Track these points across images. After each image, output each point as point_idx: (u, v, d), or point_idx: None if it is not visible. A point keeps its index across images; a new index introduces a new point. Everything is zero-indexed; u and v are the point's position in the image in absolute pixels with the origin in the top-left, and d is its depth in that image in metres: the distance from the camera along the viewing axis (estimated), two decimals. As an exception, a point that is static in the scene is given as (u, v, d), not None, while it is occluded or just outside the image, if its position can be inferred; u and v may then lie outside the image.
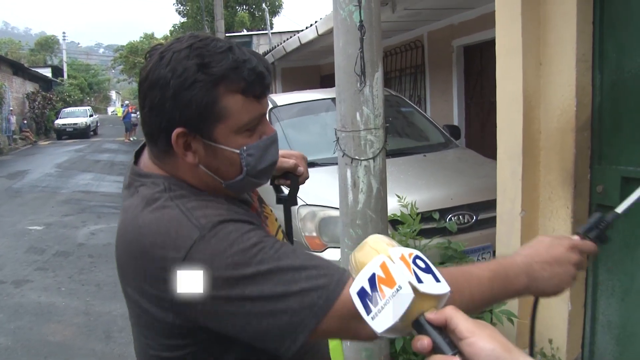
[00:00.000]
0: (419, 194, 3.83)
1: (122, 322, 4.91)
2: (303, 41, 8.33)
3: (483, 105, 6.93)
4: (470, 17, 6.51)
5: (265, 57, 11.35)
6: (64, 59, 49.64)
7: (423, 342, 0.76)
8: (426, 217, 3.68)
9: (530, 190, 3.06)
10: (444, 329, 0.77)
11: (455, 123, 6.99)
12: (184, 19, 21.64)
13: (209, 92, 1.03)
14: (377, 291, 0.78)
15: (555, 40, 2.88)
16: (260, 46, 12.09)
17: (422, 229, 3.54)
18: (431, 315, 0.78)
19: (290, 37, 9.48)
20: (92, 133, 31.76)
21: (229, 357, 1.11)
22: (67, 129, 29.99)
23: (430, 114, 7.35)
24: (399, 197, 3.45)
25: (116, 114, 51.46)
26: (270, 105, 5.31)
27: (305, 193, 3.99)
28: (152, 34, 31.46)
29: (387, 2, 5.45)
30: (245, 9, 21.72)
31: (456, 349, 0.75)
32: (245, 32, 13.40)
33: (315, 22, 7.75)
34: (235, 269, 0.97)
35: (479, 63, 6.97)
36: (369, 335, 0.90)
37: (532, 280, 1.05)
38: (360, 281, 0.79)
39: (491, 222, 3.52)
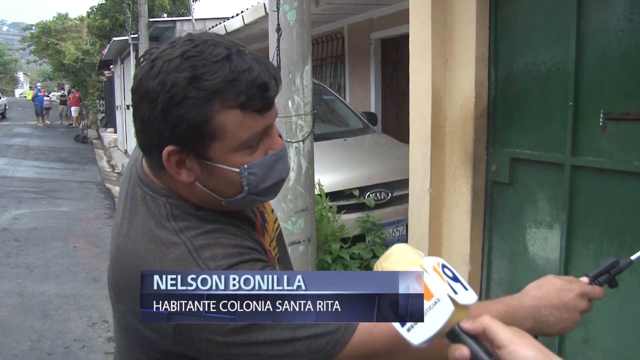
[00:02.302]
0: (340, 174, 4.28)
1: (58, 301, 5.06)
2: (229, 30, 8.52)
3: (398, 94, 7.40)
4: (388, 12, 6.94)
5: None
6: (-34, 36, 46.62)
7: (462, 351, 0.76)
8: (347, 194, 4.13)
9: (438, 170, 3.53)
10: (479, 338, 0.77)
11: (373, 110, 7.40)
12: (102, 1, 21.08)
13: (201, 110, 0.94)
14: None
15: (459, 41, 3.35)
16: (184, 32, 12.08)
17: (345, 204, 3.98)
18: (468, 325, 0.77)
19: (216, 25, 9.65)
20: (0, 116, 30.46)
21: None
22: (-28, 112, 28.61)
23: (349, 102, 7.76)
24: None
25: (25, 97, 49.09)
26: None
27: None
28: (66, 14, 30.17)
29: (311, -4, 5.82)
30: (165, -7, 21.47)
31: (493, 357, 0.75)
32: (167, 18, 13.31)
33: (242, 11, 8.00)
34: None
35: (395, 55, 7.44)
36: None
37: (538, 324, 1.02)
38: None
39: (404, 198, 3.96)
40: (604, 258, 1.14)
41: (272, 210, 1.35)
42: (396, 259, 0.82)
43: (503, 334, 0.75)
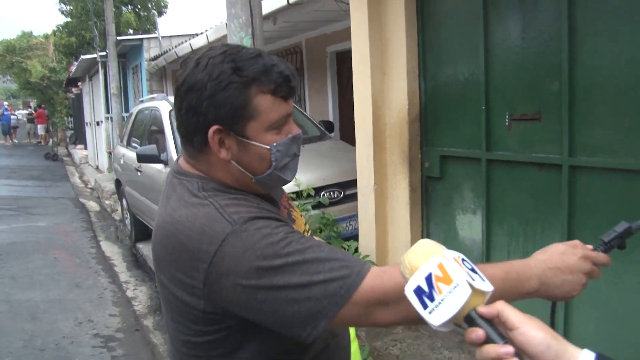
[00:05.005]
0: (298, 177, 4.77)
1: (44, 306, 5.37)
2: (194, 47, 8.89)
3: (353, 103, 7.84)
4: (341, 28, 7.33)
5: (157, 60, 11.83)
6: None
7: (478, 333, 0.80)
8: (305, 194, 4.63)
9: (380, 169, 4.04)
10: (492, 323, 0.82)
11: (330, 119, 7.87)
12: (68, 19, 21.26)
13: (242, 93, 1.13)
14: (434, 289, 0.82)
15: (393, 56, 3.88)
16: (151, 49, 12.33)
17: (302, 203, 4.48)
18: (484, 309, 0.82)
19: (181, 43, 10.03)
20: (-37, 136, 30.22)
21: (254, 342, 1.19)
22: None
23: (309, 111, 8.19)
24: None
25: (-11, 116, 48.46)
26: (170, 107, 6.03)
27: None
28: (31, 32, 30.13)
29: (269, 17, 6.27)
30: (131, 9, 21.71)
31: (506, 339, 0.80)
32: (135, 36, 13.60)
33: (206, 30, 8.44)
34: (264, 260, 1.05)
35: (349, 67, 7.90)
36: (386, 322, 1.08)
37: (543, 285, 1.08)
38: (416, 280, 0.84)
39: (355, 196, 4.41)
40: (618, 223, 1.19)
41: (306, 223, 1.53)
42: (420, 251, 0.89)
43: (515, 317, 0.80)
